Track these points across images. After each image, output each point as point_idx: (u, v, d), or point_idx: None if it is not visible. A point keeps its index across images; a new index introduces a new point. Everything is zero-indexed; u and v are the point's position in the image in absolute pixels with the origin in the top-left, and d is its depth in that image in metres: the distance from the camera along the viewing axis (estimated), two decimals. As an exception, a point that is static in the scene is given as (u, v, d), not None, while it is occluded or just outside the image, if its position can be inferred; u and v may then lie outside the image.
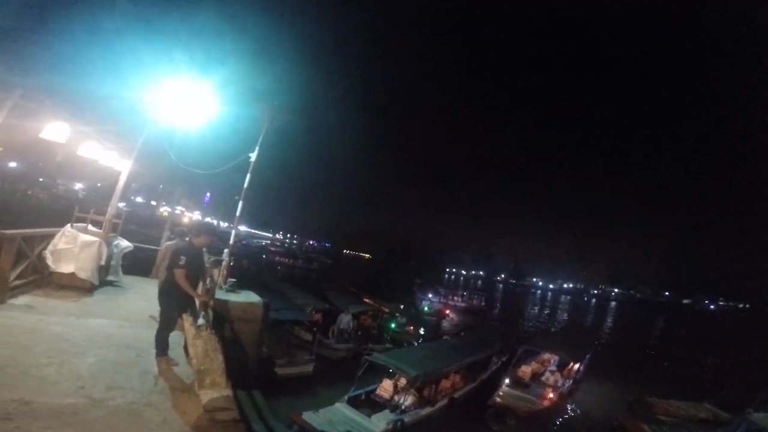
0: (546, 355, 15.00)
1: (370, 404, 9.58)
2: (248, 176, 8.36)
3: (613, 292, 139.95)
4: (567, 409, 13.06)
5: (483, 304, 41.55)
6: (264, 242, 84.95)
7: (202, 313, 4.74)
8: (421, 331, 19.42)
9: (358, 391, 9.76)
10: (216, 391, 3.39)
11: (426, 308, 27.44)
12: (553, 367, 14.32)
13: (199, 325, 4.04)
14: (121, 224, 8.37)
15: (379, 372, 10.34)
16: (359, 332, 15.73)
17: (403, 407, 9.27)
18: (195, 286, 4.52)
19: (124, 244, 8.02)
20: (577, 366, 14.68)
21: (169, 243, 7.35)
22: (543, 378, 13.47)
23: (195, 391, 3.53)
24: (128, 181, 7.66)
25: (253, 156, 8.24)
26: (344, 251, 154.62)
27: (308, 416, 8.10)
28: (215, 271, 7.70)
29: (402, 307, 22.04)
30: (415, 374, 9.21)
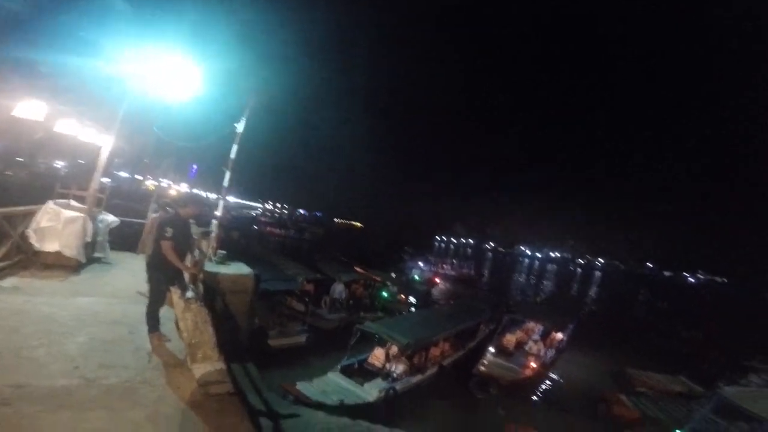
0: (530, 324, 15.14)
1: (362, 373, 9.69)
2: (235, 146, 8.23)
3: (599, 262, 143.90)
4: (549, 378, 13.20)
5: (472, 272, 42.14)
6: (254, 213, 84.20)
7: (191, 285, 4.72)
8: (412, 300, 19.44)
9: (351, 361, 9.88)
10: (209, 365, 3.40)
11: (416, 277, 27.43)
12: (537, 336, 14.45)
13: (188, 298, 4.02)
14: (106, 199, 8.16)
15: (371, 341, 10.44)
16: (351, 302, 15.93)
17: (394, 375, 9.40)
18: (183, 259, 4.44)
19: (110, 218, 7.83)
20: (560, 335, 14.85)
21: (154, 215, 7.23)
22: (526, 347, 13.62)
23: (188, 365, 3.55)
24: (111, 156, 7.42)
25: (240, 126, 8.04)
26: (336, 220, 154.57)
27: (302, 386, 8.18)
28: (204, 243, 7.66)
29: (393, 275, 22.31)
30: (406, 342, 9.29)
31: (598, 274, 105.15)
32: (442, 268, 36.86)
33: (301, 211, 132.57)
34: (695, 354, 17.86)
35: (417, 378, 10.01)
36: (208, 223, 8.40)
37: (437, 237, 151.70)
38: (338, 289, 14.80)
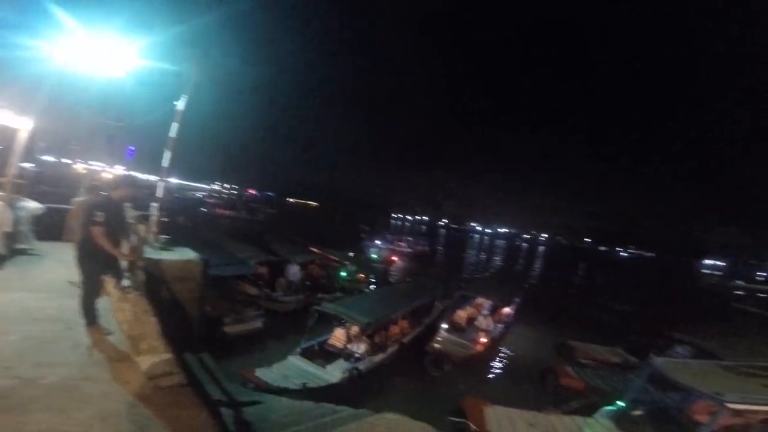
0: (480, 300, 15.26)
1: (323, 355, 9.59)
2: (176, 125, 7.70)
3: (542, 237, 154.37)
4: (500, 352, 13.51)
5: (427, 249, 43.20)
6: (201, 194, 79.64)
7: (128, 273, 4.44)
8: (372, 279, 19.45)
9: (311, 343, 9.75)
10: (155, 356, 3.28)
11: (374, 255, 27.47)
12: (486, 312, 14.57)
13: (125, 287, 3.81)
14: (28, 185, 7.34)
15: (330, 322, 10.37)
16: (308, 283, 15.82)
17: (357, 355, 9.35)
18: (117, 245, 4.14)
19: (33, 205, 7.07)
20: (508, 310, 15.16)
21: (78, 200, 6.59)
22: (476, 323, 13.74)
23: (133, 359, 3.41)
24: (33, 140, 6.64)
25: (181, 104, 7.51)
26: (289, 200, 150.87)
27: (261, 372, 7.99)
28: (142, 228, 7.18)
29: (351, 255, 22.29)
30: (367, 321, 9.25)
31: (542, 248, 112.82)
32: (399, 245, 37.53)
33: (252, 191, 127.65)
34: (628, 326, 18.42)
35: (379, 357, 10.02)
36: (147, 207, 7.87)
37: (393, 215, 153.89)
38: (293, 270, 14.49)
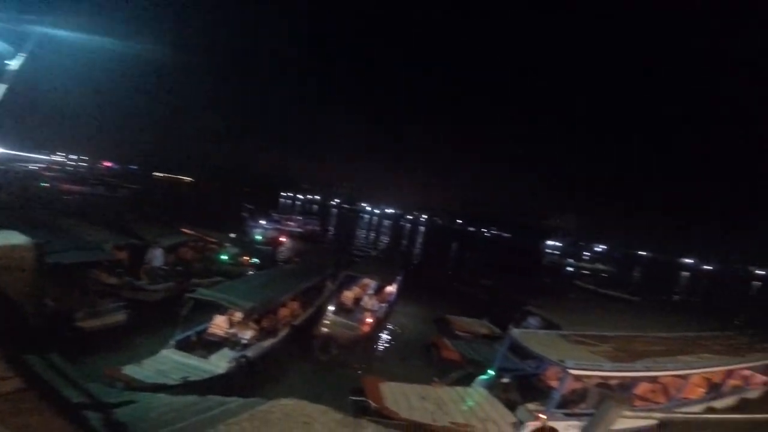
0: (366, 280, 15.27)
1: (204, 345, 8.94)
2: (4, 86, 6.08)
3: (423, 218, 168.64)
4: (386, 331, 13.65)
5: (317, 228, 42.55)
6: (35, 167, 62.96)
7: None
8: (257, 262, 18.26)
9: (187, 333, 8.98)
10: None
11: (259, 237, 25.94)
12: (371, 291, 14.61)
13: None
14: None
15: (210, 310, 9.65)
16: (179, 268, 14.30)
17: (243, 342, 8.90)
18: None
19: None
20: (391, 288, 15.35)
21: None
22: (362, 303, 13.72)
23: None
24: None
25: (15, 63, 5.95)
26: (156, 174, 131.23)
27: (130, 370, 7.16)
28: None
29: (233, 236, 20.81)
30: (251, 306, 8.82)
31: (422, 228, 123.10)
32: (288, 225, 36.38)
33: (108, 163, 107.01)
34: (491, 299, 19.97)
35: (269, 342, 9.70)
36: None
37: (283, 193, 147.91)
38: (156, 254, 12.89)
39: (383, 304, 14.24)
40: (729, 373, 9.89)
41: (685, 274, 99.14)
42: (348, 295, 14.09)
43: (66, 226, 12.25)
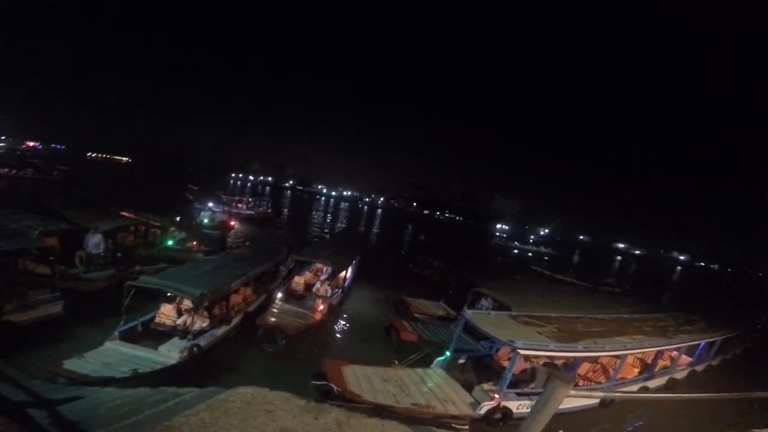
0: (319, 265, 14.59)
1: (151, 335, 8.59)
2: None
3: (380, 201, 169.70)
4: (343, 315, 13.34)
5: (269, 210, 41.38)
6: None
7: None
8: (204, 247, 17.80)
9: (131, 324, 8.56)
10: None
11: (206, 220, 24.49)
12: (324, 277, 14.16)
13: None
14: None
15: (154, 298, 9.25)
16: (119, 254, 13.40)
17: (194, 331, 8.63)
18: None
19: None
20: (347, 272, 14.83)
21: None
22: (314, 289, 13.29)
23: None
24: None
25: None
26: (90, 155, 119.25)
27: (72, 364, 6.75)
28: None
29: (178, 219, 19.69)
30: (200, 293, 8.41)
31: (379, 211, 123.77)
32: (237, 207, 34.85)
33: (32, 143, 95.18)
34: (443, 282, 20.19)
35: (222, 330, 9.49)
36: None
37: (233, 174, 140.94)
38: (93, 240, 11.93)
39: (337, 290, 13.82)
40: (659, 354, 10.55)
41: (618, 257, 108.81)
42: (298, 281, 13.58)
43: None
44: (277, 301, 11.58)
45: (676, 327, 12.04)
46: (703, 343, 12.24)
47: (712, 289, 58.54)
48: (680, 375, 11.71)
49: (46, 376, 6.13)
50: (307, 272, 14.52)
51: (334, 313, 12.89)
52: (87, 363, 6.96)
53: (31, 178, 39.75)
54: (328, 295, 12.91)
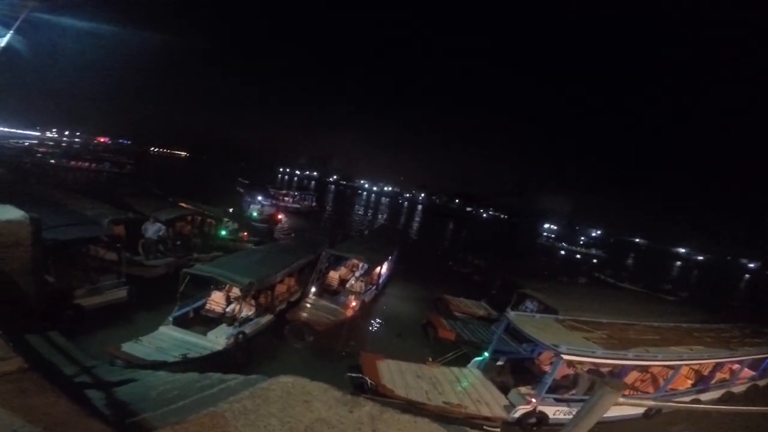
0: (354, 260, 14.24)
1: (201, 321, 8.93)
2: None
3: (421, 196, 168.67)
4: (372, 314, 13.04)
5: (314, 204, 42.28)
6: (26, 143, 61.78)
7: None
8: (254, 238, 18.27)
9: (184, 310, 8.98)
10: None
11: (255, 213, 25.06)
12: (360, 272, 13.90)
13: None
14: None
15: (206, 286, 9.62)
16: (178, 243, 14.36)
17: (241, 318, 8.88)
18: None
19: None
20: (380, 269, 14.47)
21: None
22: (348, 285, 13.11)
23: None
24: None
25: (2, 41, 5.75)
26: (153, 149, 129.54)
27: (129, 347, 7.16)
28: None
29: (231, 210, 20.66)
30: (249, 282, 8.67)
31: (420, 207, 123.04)
32: (284, 200, 36.03)
33: (103, 139, 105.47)
34: (485, 281, 19.52)
35: (267, 319, 9.71)
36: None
37: (281, 169, 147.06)
38: (152, 228, 12.72)
39: (371, 286, 13.60)
40: (717, 366, 9.95)
41: (678, 263, 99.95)
42: (333, 276, 13.48)
43: (61, 201, 12.13)
44: (310, 295, 11.56)
45: (741, 339, 11.04)
46: None
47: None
48: (738, 389, 10.83)
49: (106, 359, 6.52)
50: (342, 267, 14.48)
51: (367, 309, 12.73)
52: (142, 346, 7.37)
53: (108, 171, 43.91)
54: (362, 291, 12.72)
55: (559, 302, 11.41)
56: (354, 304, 11.62)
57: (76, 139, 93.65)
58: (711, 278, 67.29)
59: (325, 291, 12.40)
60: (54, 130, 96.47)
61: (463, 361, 9.41)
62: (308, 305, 10.98)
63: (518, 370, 9.22)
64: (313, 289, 11.83)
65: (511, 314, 9.03)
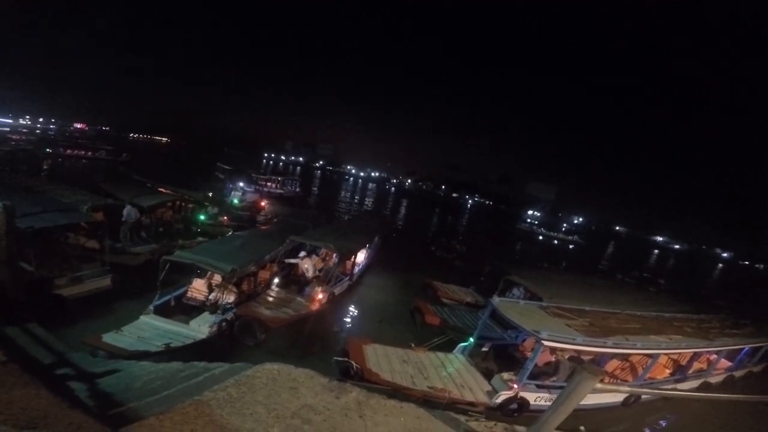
0: (326, 249, 13.06)
1: (183, 310, 8.77)
2: None
3: (408, 182, 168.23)
4: (345, 306, 12.40)
5: (298, 190, 41.59)
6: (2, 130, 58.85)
7: None
8: (233, 223, 18.03)
9: (165, 298, 8.79)
10: None
11: (236, 201, 24.11)
12: (333, 262, 12.74)
13: None
14: None
15: (188, 273, 9.43)
16: (161, 229, 14.16)
17: (224, 306, 8.74)
18: None
19: None
20: (354, 259, 13.84)
21: None
22: (309, 275, 12.05)
23: None
24: None
25: None
26: (132, 135, 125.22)
27: (110, 338, 7.03)
28: None
29: (211, 195, 20.44)
30: (231, 268, 8.48)
31: (406, 192, 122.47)
32: (267, 186, 35.41)
33: (81, 125, 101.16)
34: (466, 266, 19.43)
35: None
36: None
37: (265, 154, 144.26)
38: (132, 214, 12.52)
39: (344, 277, 12.94)
40: (695, 356, 10.11)
41: (656, 251, 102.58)
42: (304, 266, 12.33)
43: (35, 188, 11.73)
44: (273, 287, 10.77)
45: (721, 329, 11.27)
46: (746, 348, 11.40)
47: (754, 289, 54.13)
48: (715, 379, 11.09)
49: (87, 350, 6.38)
50: (315, 256, 13.44)
51: (338, 301, 12.21)
52: (124, 337, 7.24)
53: (105, 159, 43.12)
54: (332, 282, 11.75)
55: (545, 289, 11.52)
56: (321, 296, 10.76)
57: (51, 126, 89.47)
58: (686, 267, 69.70)
59: (293, 282, 11.51)
60: (27, 117, 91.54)
61: (449, 346, 9.51)
62: (269, 298, 10.24)
63: (502, 356, 9.37)
64: (276, 280, 11.03)
65: (496, 300, 9.07)
